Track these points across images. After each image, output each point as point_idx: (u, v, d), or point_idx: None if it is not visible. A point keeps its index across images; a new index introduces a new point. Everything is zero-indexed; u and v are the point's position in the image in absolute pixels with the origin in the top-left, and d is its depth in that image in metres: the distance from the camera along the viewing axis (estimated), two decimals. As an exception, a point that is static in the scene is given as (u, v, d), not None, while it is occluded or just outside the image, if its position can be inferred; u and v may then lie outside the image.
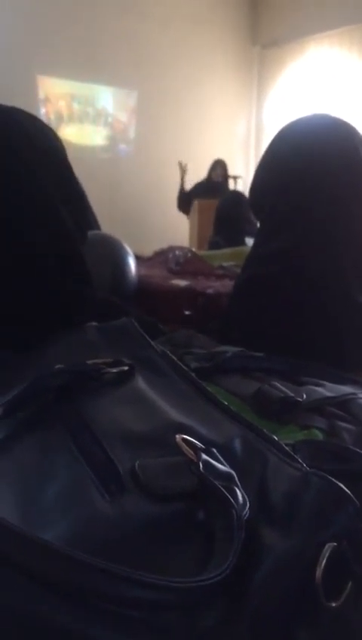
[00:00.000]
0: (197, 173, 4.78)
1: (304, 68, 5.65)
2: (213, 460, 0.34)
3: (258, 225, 0.92)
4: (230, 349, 0.56)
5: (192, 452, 0.34)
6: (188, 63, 5.57)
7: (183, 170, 4.71)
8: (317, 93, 5.43)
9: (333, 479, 0.32)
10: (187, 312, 1.25)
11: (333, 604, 0.28)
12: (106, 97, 5.38)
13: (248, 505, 0.31)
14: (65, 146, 0.73)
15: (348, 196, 0.80)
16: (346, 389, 0.50)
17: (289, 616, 0.28)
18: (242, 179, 4.62)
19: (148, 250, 1.82)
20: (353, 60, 5.28)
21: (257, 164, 0.90)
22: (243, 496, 0.31)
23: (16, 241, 0.62)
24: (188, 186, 4.72)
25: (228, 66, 5.91)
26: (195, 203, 4.21)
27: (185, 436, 0.35)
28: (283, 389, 0.47)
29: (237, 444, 0.37)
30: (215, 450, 0.35)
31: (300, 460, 0.35)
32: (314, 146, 0.82)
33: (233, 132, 6.09)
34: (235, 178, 4.66)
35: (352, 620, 0.29)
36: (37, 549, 0.26)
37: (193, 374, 0.46)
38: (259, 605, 0.27)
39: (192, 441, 0.35)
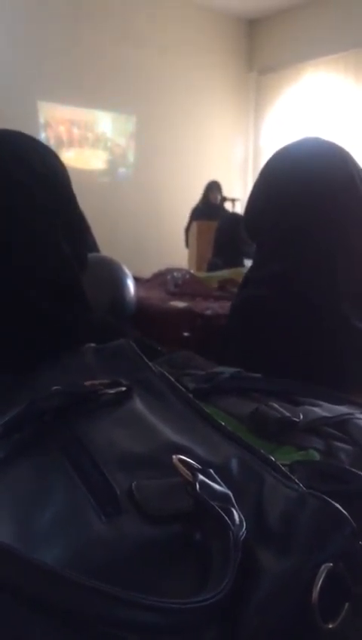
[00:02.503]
0: (196, 197, 4.82)
1: (300, 93, 5.74)
2: (210, 480, 0.34)
3: (254, 247, 0.92)
4: (227, 370, 0.56)
5: (189, 473, 0.34)
6: (186, 88, 5.66)
7: None
8: (313, 117, 5.51)
9: (330, 500, 0.32)
10: (185, 334, 1.25)
11: (330, 626, 0.28)
12: (105, 122, 5.46)
13: (245, 526, 0.31)
14: (65, 170, 0.73)
15: (344, 218, 0.81)
16: (343, 410, 0.50)
17: (286, 638, 0.28)
18: (240, 201, 4.66)
19: (147, 272, 1.83)
20: (348, 85, 5.37)
21: (252, 188, 0.91)
22: (239, 517, 0.31)
23: (12, 266, 0.62)
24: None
25: (225, 92, 6.01)
26: (194, 225, 4.25)
27: (181, 457, 0.35)
28: (280, 409, 0.47)
29: (234, 464, 0.37)
30: (211, 471, 0.35)
31: (297, 481, 0.35)
32: (311, 168, 0.83)
33: (231, 156, 6.16)
34: (233, 201, 4.70)
35: (349, 641, 0.29)
36: (33, 571, 0.26)
37: (190, 395, 0.46)
38: (256, 627, 0.27)
39: (189, 462, 0.35)
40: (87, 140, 5.39)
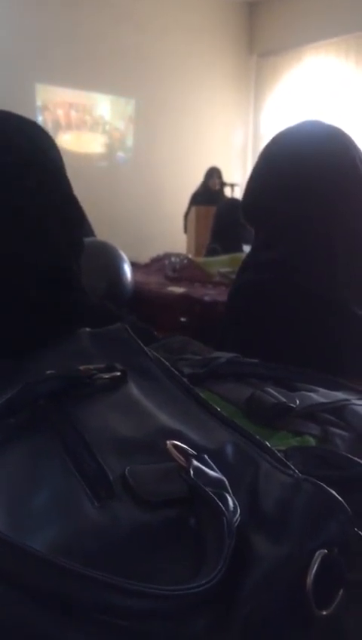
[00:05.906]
0: (195, 182, 4.79)
1: (300, 76, 5.68)
2: (204, 465, 0.33)
3: (253, 232, 0.92)
4: (224, 355, 0.56)
5: (183, 458, 0.33)
6: (186, 71, 5.60)
7: None
8: (314, 101, 5.46)
9: (325, 486, 0.31)
10: (183, 319, 1.25)
11: (324, 612, 0.27)
12: (104, 105, 5.40)
13: (239, 511, 0.31)
14: (63, 154, 0.71)
15: (344, 203, 0.81)
16: (340, 395, 0.50)
17: (280, 625, 0.27)
18: (239, 186, 4.63)
19: (145, 257, 1.82)
20: (349, 69, 5.31)
21: (251, 171, 0.90)
22: (234, 503, 0.31)
23: (4, 252, 0.61)
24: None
25: (225, 75, 5.94)
26: (193, 210, 4.23)
27: (175, 442, 0.35)
28: (277, 394, 0.47)
29: (229, 450, 0.37)
30: (206, 456, 0.34)
31: (292, 467, 0.35)
32: (311, 153, 0.82)
33: (230, 140, 6.11)
34: (232, 186, 4.67)
35: (344, 628, 0.29)
36: (24, 557, 0.26)
37: (186, 380, 0.45)
38: (250, 613, 0.27)
39: (183, 447, 0.34)
40: (85, 123, 5.34)
